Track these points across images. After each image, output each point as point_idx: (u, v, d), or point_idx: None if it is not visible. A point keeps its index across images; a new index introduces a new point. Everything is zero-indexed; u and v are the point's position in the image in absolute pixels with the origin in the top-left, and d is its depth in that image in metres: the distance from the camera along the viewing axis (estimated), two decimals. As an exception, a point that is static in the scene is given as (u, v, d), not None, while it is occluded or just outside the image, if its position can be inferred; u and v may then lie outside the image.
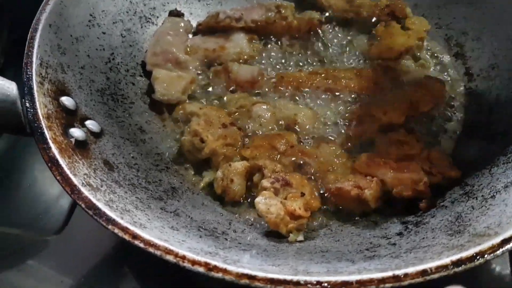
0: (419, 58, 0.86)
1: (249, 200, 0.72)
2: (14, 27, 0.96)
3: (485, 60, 0.83)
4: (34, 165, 0.90)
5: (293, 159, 0.72)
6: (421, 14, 0.92)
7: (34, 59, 0.65)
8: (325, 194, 0.70)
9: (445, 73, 0.86)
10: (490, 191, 0.62)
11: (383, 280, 0.47)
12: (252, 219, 0.69)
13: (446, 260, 0.48)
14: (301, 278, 0.47)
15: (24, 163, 0.90)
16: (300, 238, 0.64)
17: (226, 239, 0.62)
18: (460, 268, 0.47)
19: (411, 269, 0.47)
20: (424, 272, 0.47)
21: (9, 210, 0.84)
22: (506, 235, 0.50)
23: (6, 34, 0.94)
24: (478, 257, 0.48)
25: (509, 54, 0.79)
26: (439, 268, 0.47)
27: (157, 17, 0.91)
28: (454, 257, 0.48)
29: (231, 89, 0.84)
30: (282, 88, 0.82)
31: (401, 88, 0.81)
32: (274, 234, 0.65)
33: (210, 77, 0.86)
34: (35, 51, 0.66)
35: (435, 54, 0.88)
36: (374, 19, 0.90)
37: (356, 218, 0.69)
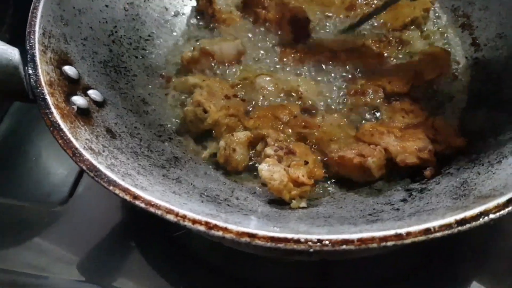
0: (425, 29, 0.85)
1: (251, 170, 0.72)
2: (19, 5, 0.97)
3: (492, 29, 0.81)
4: (39, 141, 0.91)
5: (296, 129, 0.72)
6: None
7: (37, 28, 0.65)
8: (328, 163, 0.69)
9: (451, 44, 0.84)
10: (497, 157, 0.61)
11: (384, 239, 0.46)
12: (255, 188, 0.69)
13: (450, 219, 0.47)
14: (302, 236, 0.47)
15: (29, 139, 0.91)
16: (303, 204, 0.64)
17: (228, 205, 0.61)
18: (464, 226, 0.47)
19: (414, 228, 0.46)
20: (427, 231, 0.46)
21: (15, 183, 0.85)
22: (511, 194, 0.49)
23: (12, 12, 0.94)
24: (483, 216, 0.47)
25: (517, 22, 0.77)
26: (442, 227, 0.46)
27: (161, -10, 0.90)
28: (458, 216, 0.47)
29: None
30: (285, 60, 0.81)
31: (405, 58, 0.81)
32: (277, 202, 0.65)
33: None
34: (37, 20, 0.66)
35: (441, 25, 0.86)
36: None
37: (360, 187, 0.69)
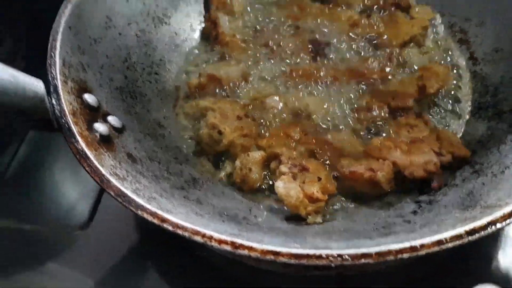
0: (424, 46, 0.89)
1: (266, 188, 0.75)
2: (33, 34, 1.00)
3: (489, 44, 0.85)
4: (56, 167, 0.94)
5: (307, 146, 0.75)
6: (424, 2, 0.94)
7: (57, 59, 0.68)
8: (340, 178, 0.73)
9: (450, 59, 0.88)
10: (499, 167, 0.65)
11: (400, 251, 0.49)
12: (271, 205, 0.72)
13: (460, 230, 0.50)
14: (323, 251, 0.50)
15: (46, 165, 0.94)
16: (319, 220, 0.67)
17: (248, 224, 0.64)
18: (474, 236, 0.50)
19: (427, 240, 0.50)
20: (439, 242, 0.49)
21: (35, 209, 0.88)
22: (517, 203, 0.52)
23: (26, 40, 0.98)
24: (491, 226, 0.51)
25: (513, 36, 0.81)
26: (453, 238, 0.50)
27: (169, 17, 0.94)
28: (468, 227, 0.50)
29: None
30: (292, 80, 0.85)
31: (407, 74, 0.84)
32: (294, 218, 0.68)
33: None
34: (57, 52, 0.69)
35: (439, 41, 0.90)
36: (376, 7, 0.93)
37: (371, 200, 0.72)
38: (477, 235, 0.50)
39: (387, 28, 0.89)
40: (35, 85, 0.61)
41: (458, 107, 0.81)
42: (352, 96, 0.82)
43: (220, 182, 0.76)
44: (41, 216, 0.87)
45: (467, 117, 0.80)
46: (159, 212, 0.54)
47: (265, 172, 0.75)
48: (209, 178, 0.76)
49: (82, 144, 0.61)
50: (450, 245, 0.49)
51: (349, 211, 0.71)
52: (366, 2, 0.95)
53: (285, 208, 0.69)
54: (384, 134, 0.78)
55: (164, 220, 0.54)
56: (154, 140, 0.76)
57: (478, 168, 0.68)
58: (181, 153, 0.78)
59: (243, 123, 0.78)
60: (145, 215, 0.54)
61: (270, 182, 0.74)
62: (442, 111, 0.81)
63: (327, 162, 0.74)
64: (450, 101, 0.82)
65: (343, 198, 0.73)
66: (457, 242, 0.50)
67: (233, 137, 0.75)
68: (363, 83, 0.83)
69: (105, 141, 0.66)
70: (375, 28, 0.89)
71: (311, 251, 0.50)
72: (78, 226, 0.84)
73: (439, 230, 0.53)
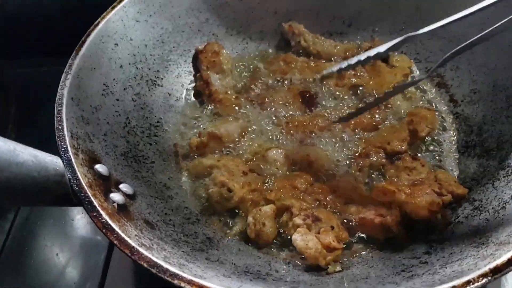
0: (407, 92, 0.95)
1: (279, 240, 0.77)
2: (21, 103, 1.00)
3: (466, 86, 0.92)
4: (59, 235, 0.94)
5: (315, 196, 0.78)
6: (400, 51, 1.01)
7: (65, 132, 0.69)
8: (350, 224, 0.75)
9: (432, 102, 0.94)
10: (499, 203, 0.70)
11: (435, 295, 0.52)
12: (287, 258, 0.74)
13: (485, 269, 0.54)
14: (363, 302, 0.52)
15: (49, 233, 0.93)
16: (338, 268, 0.69)
17: (273, 280, 0.66)
18: (498, 274, 0.54)
19: (457, 281, 0.53)
20: (468, 282, 0.53)
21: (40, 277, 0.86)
22: (529, 239, 0.57)
23: (14, 111, 0.97)
24: (511, 264, 0.54)
25: (487, 79, 0.88)
26: (480, 277, 0.53)
27: (162, 79, 0.96)
28: (491, 265, 0.54)
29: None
30: (290, 132, 0.88)
31: (395, 120, 0.90)
32: (313, 269, 0.70)
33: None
34: (64, 124, 0.69)
35: (420, 86, 0.97)
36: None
37: (381, 244, 0.75)
38: (500, 273, 0.54)
39: (372, 78, 0.95)
40: (54, 162, 0.61)
41: (446, 148, 0.87)
42: (349, 144, 0.86)
43: (234, 240, 0.77)
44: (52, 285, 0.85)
45: (456, 156, 0.86)
46: (196, 279, 0.55)
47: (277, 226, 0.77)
48: (223, 236, 0.77)
49: (106, 217, 0.60)
50: (479, 284, 0.53)
51: (363, 256, 0.73)
52: (346, 54, 1.01)
53: (302, 259, 0.71)
54: (382, 178, 0.82)
55: (202, 287, 0.54)
56: (164, 203, 0.77)
57: (478, 204, 0.73)
58: (191, 213, 0.79)
59: (249, 179, 0.80)
60: (182, 284, 0.55)
61: (283, 235, 0.76)
62: (434, 152, 0.86)
63: (335, 210, 0.77)
64: (439, 143, 0.88)
65: (354, 245, 0.75)
66: (484, 281, 0.53)
67: (243, 193, 0.77)
68: (356, 130, 0.87)
69: (122, 211, 0.66)
70: (360, 78, 0.95)
71: (351, 303, 0.52)
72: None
73: (463, 269, 0.57)
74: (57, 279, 0.86)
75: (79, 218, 0.94)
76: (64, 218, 0.93)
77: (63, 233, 0.92)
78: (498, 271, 0.54)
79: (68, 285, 0.86)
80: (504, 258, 0.55)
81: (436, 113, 0.91)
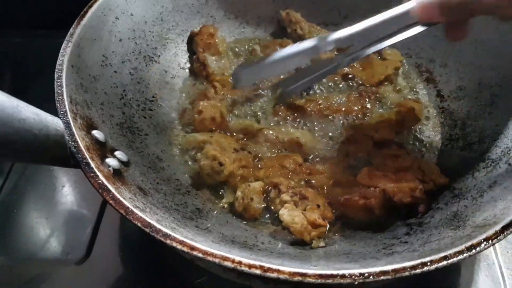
0: (397, 84, 0.98)
1: (265, 216, 0.79)
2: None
3: (453, 83, 0.96)
4: (47, 201, 0.95)
5: (303, 176, 0.81)
6: (393, 46, 1.05)
7: (65, 96, 0.70)
8: (334, 205, 0.78)
9: (420, 95, 0.98)
10: (477, 192, 0.73)
11: (414, 267, 0.55)
12: (272, 232, 0.76)
13: (461, 247, 0.57)
14: (346, 271, 0.55)
15: (37, 199, 0.95)
16: (322, 244, 0.72)
17: (259, 250, 0.68)
18: (472, 251, 0.57)
19: (435, 256, 0.56)
20: (445, 257, 0.56)
21: (29, 241, 0.88)
22: (504, 222, 0.59)
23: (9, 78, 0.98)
24: (486, 242, 0.58)
25: (473, 77, 0.92)
26: (456, 254, 0.56)
27: (159, 56, 0.98)
28: (467, 244, 0.57)
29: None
30: (281, 114, 0.91)
31: (384, 109, 0.93)
32: (298, 243, 0.73)
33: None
34: (64, 89, 0.71)
35: (410, 80, 1.01)
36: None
37: (364, 225, 0.78)
38: (473, 251, 0.57)
39: (364, 69, 0.98)
40: (55, 122, 0.63)
41: (432, 139, 0.91)
42: (338, 130, 0.89)
43: (223, 212, 0.79)
44: (35, 251, 0.86)
45: (439, 148, 0.89)
46: (187, 240, 0.57)
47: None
48: (211, 208, 0.79)
49: (102, 178, 0.62)
50: (454, 259, 0.56)
51: (346, 235, 0.76)
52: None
53: (287, 234, 0.74)
54: (369, 164, 0.85)
55: (193, 248, 0.56)
56: (156, 173, 0.79)
57: (458, 192, 0.77)
58: (181, 185, 0.81)
59: (240, 155, 0.82)
60: (174, 244, 0.56)
61: (269, 210, 0.79)
62: (419, 142, 0.90)
63: (321, 190, 0.80)
64: (424, 134, 0.91)
65: (337, 224, 0.78)
66: (460, 257, 0.56)
67: (233, 168, 0.80)
68: (346, 118, 0.90)
69: (117, 175, 0.68)
70: (352, 68, 0.98)
71: (334, 272, 0.54)
72: (75, 261, 0.84)
73: (440, 247, 0.60)
74: (43, 244, 0.87)
75: (68, 186, 0.96)
76: (54, 184, 0.94)
77: (52, 200, 0.93)
78: (472, 249, 0.57)
79: (55, 251, 0.87)
80: (479, 238, 0.58)
81: (423, 107, 0.95)
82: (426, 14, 0.69)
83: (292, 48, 0.82)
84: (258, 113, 0.92)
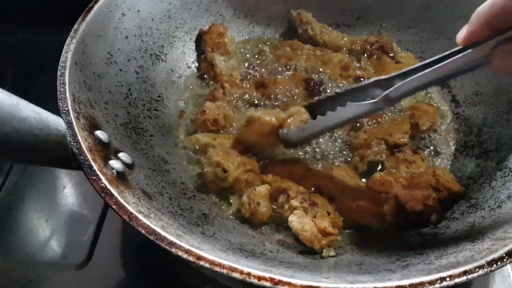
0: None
1: (274, 222, 0.76)
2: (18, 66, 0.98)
3: (468, 88, 0.93)
4: (48, 203, 0.92)
5: (312, 181, 0.78)
6: (406, 49, 1.02)
7: (67, 95, 0.67)
8: (344, 212, 0.76)
9: (434, 100, 0.95)
10: (495, 202, 0.70)
11: (432, 282, 0.52)
12: (282, 240, 0.74)
13: (482, 261, 0.54)
14: (360, 285, 0.52)
15: (39, 202, 0.92)
16: (332, 253, 0.69)
17: (267, 259, 0.65)
18: (493, 266, 0.54)
19: (454, 271, 0.53)
20: (465, 272, 0.53)
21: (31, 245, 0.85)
22: (525, 236, 0.57)
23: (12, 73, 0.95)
24: (507, 257, 0.55)
25: (490, 82, 0.89)
26: (477, 268, 0.53)
27: (166, 54, 0.95)
28: (488, 258, 0.54)
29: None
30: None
31: (397, 113, 0.90)
32: (307, 252, 0.70)
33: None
34: (67, 87, 0.68)
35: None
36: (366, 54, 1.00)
37: (374, 233, 0.75)
38: (494, 266, 0.54)
39: (376, 71, 0.95)
40: (57, 121, 0.60)
41: (446, 145, 0.87)
42: (351, 133, 0.86)
43: (229, 218, 0.77)
44: (34, 254, 0.84)
45: (454, 155, 0.86)
46: (194, 249, 0.54)
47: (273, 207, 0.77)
48: (218, 213, 0.76)
49: (105, 181, 0.59)
50: (475, 275, 0.53)
51: (357, 244, 0.73)
52: (351, 46, 1.01)
53: (295, 242, 0.71)
54: (381, 169, 0.82)
55: (200, 257, 0.53)
56: (161, 176, 0.76)
57: (474, 202, 0.74)
58: (187, 189, 0.78)
59: (245, 159, 0.79)
60: (180, 253, 0.54)
61: (277, 216, 0.76)
62: (433, 148, 0.87)
63: (331, 196, 0.77)
64: (438, 140, 0.88)
65: (348, 232, 0.75)
66: (481, 272, 0.53)
67: (238, 173, 0.77)
68: (359, 121, 0.88)
69: (121, 178, 0.65)
70: (364, 71, 0.95)
71: (348, 285, 0.52)
72: (75, 265, 0.81)
73: (459, 261, 0.57)
74: (42, 247, 0.85)
75: (69, 187, 0.93)
76: (55, 185, 0.92)
77: (53, 201, 0.90)
78: (493, 264, 0.54)
79: (54, 254, 0.84)
80: (500, 252, 0.55)
81: (437, 112, 0.92)
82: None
83: (348, 113, 0.72)
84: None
